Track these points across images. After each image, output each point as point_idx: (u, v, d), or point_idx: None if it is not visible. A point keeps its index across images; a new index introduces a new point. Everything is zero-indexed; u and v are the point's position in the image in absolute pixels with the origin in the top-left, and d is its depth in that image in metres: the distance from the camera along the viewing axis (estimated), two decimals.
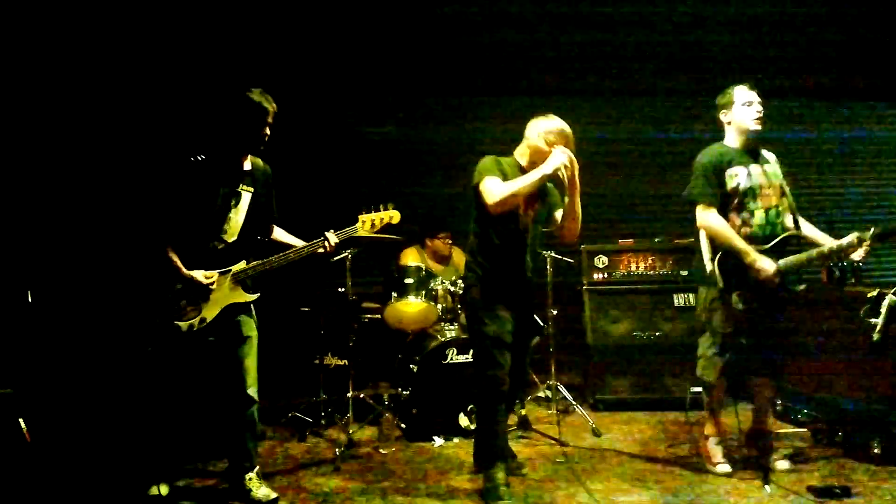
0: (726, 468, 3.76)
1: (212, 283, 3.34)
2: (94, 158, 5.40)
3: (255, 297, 3.51)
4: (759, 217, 3.66)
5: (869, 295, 3.43)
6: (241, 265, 3.45)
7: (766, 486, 3.49)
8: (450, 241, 5.54)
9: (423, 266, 4.93)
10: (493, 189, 3.36)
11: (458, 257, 5.61)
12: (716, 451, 3.84)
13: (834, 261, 3.49)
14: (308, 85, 6.35)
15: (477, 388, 3.63)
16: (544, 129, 3.51)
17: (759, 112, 3.70)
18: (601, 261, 5.36)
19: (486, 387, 3.49)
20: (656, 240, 5.45)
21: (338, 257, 4.69)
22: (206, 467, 4.00)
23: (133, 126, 5.53)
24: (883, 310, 3.40)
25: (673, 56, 6.60)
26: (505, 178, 3.44)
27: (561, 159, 3.27)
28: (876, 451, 3.83)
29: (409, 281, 4.77)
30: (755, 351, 3.63)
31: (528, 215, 3.56)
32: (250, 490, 3.45)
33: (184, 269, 3.31)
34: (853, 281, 4.76)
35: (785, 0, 6.26)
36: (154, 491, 3.51)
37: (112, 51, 5.46)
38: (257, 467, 3.57)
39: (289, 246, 3.58)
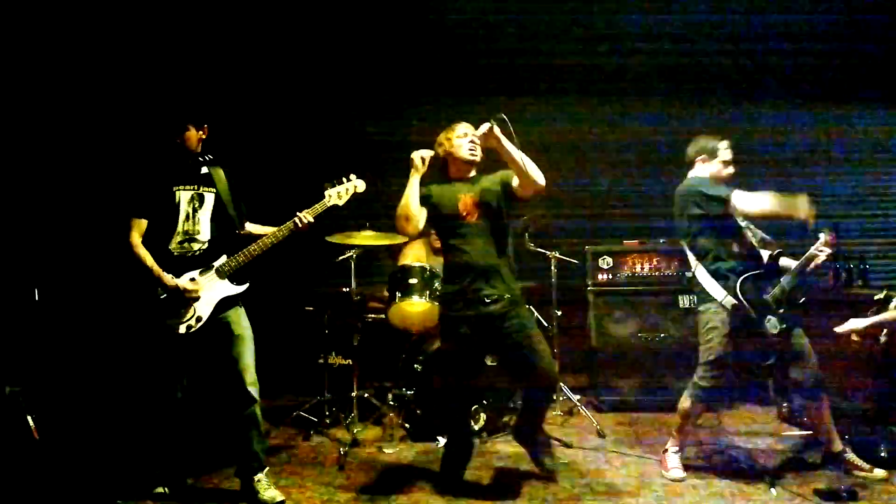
0: (679, 473, 3.75)
1: (196, 291, 3.40)
2: (88, 157, 5.40)
3: (243, 288, 3.54)
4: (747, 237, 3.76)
5: (876, 297, 3.42)
6: (223, 259, 3.50)
7: (773, 490, 3.48)
8: None
9: (427, 266, 4.92)
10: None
11: None
12: (672, 459, 3.83)
13: (806, 274, 3.63)
14: (304, 84, 6.39)
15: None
16: (441, 139, 3.66)
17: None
18: (606, 262, 5.35)
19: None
20: (661, 241, 5.43)
21: (342, 257, 4.70)
22: (215, 467, 3.99)
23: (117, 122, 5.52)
24: (889, 313, 3.40)
25: (676, 57, 6.57)
26: (437, 206, 3.56)
27: (414, 155, 3.46)
28: (883, 454, 3.81)
29: (413, 281, 4.76)
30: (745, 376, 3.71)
31: (473, 216, 3.51)
32: (258, 492, 3.45)
33: (166, 277, 3.38)
34: (860, 283, 4.77)
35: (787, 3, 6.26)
36: (160, 490, 3.52)
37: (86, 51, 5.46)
38: (266, 468, 3.57)
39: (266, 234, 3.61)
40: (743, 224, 3.78)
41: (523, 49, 6.32)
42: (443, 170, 3.67)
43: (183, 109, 3.56)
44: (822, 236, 3.58)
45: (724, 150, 3.84)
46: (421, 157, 3.45)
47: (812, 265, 3.60)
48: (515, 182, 3.47)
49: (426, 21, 6.23)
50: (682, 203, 3.79)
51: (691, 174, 3.88)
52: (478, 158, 3.56)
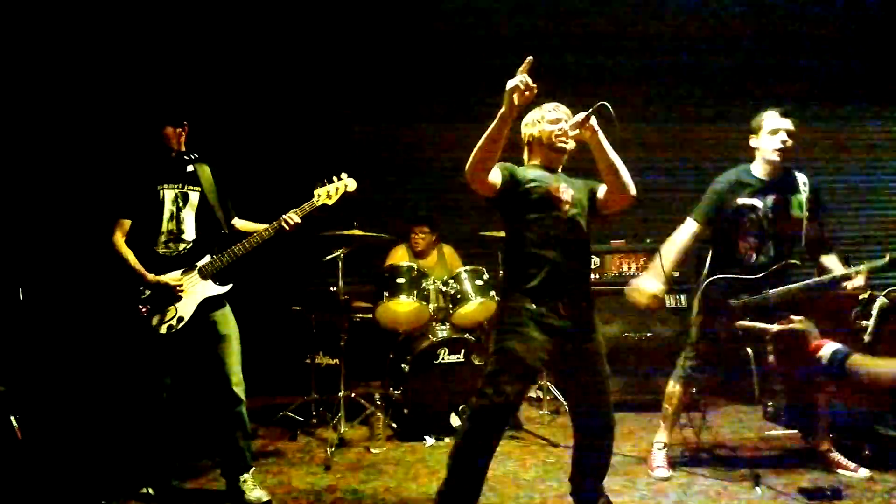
0: (664, 473, 3.77)
1: (179, 286, 3.38)
2: (72, 156, 5.36)
3: (226, 288, 3.52)
4: (769, 247, 3.66)
5: (860, 297, 3.44)
6: (207, 259, 3.49)
7: (757, 488, 3.50)
8: (431, 239, 5.57)
9: (414, 265, 4.92)
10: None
11: (451, 255, 5.62)
12: (658, 457, 3.85)
13: (833, 290, 3.52)
14: (296, 81, 6.35)
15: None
16: (531, 127, 3.08)
17: (784, 142, 3.57)
18: (593, 261, 5.36)
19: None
20: (648, 241, 5.45)
21: (330, 256, 4.68)
22: (200, 467, 3.97)
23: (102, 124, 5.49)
24: (874, 312, 3.41)
25: (667, 60, 6.59)
26: (528, 183, 2.91)
27: (513, 81, 2.55)
28: (866, 453, 3.85)
29: (400, 280, 4.76)
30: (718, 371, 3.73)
31: (564, 203, 2.91)
32: (244, 492, 3.44)
33: (149, 275, 3.36)
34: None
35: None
36: (144, 490, 3.50)
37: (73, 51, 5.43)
38: (252, 468, 3.56)
39: (253, 233, 3.58)
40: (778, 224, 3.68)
41: (516, 48, 6.29)
42: (524, 155, 3.16)
43: (158, 108, 3.52)
44: (860, 278, 3.46)
45: (771, 118, 3.62)
46: (521, 81, 2.52)
47: (838, 285, 3.52)
48: (602, 193, 2.99)
49: (417, 19, 6.21)
50: None
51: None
52: (568, 148, 3.00)
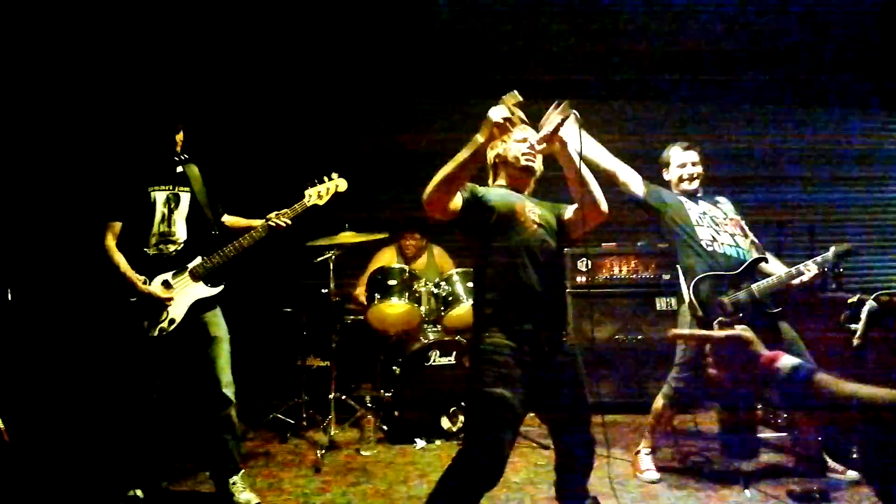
0: (654, 475, 3.79)
1: (169, 300, 3.37)
2: (62, 158, 5.33)
3: (218, 290, 3.51)
4: (724, 245, 3.73)
5: (849, 301, 3.46)
6: (197, 261, 3.47)
7: (746, 491, 3.52)
8: (422, 243, 5.58)
9: (406, 268, 4.92)
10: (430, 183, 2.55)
11: (441, 256, 5.62)
12: (646, 460, 3.88)
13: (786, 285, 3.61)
14: (287, 81, 6.33)
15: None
16: (498, 147, 2.87)
17: (692, 174, 3.87)
18: (584, 264, 5.37)
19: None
20: (639, 244, 5.46)
21: (321, 258, 4.67)
22: (190, 470, 3.96)
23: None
24: (863, 316, 3.43)
25: (661, 60, 6.60)
26: (493, 205, 2.71)
27: (496, 112, 2.41)
28: (854, 456, 3.86)
29: (392, 282, 4.76)
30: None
31: (530, 224, 2.74)
32: (233, 494, 3.43)
33: (140, 284, 3.34)
34: (833, 286, 4.81)
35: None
36: (133, 493, 3.48)
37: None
38: (242, 470, 3.55)
39: (247, 229, 3.56)
40: (724, 224, 3.80)
41: (513, 51, 6.32)
42: (490, 178, 2.99)
43: (166, 110, 3.51)
44: (821, 259, 3.59)
45: (676, 153, 3.93)
46: (504, 117, 2.40)
47: (796, 281, 3.58)
48: (570, 213, 2.84)
49: (414, 18, 6.18)
50: None
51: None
52: (537, 168, 2.87)
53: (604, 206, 2.72)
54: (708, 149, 4.23)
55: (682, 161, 3.89)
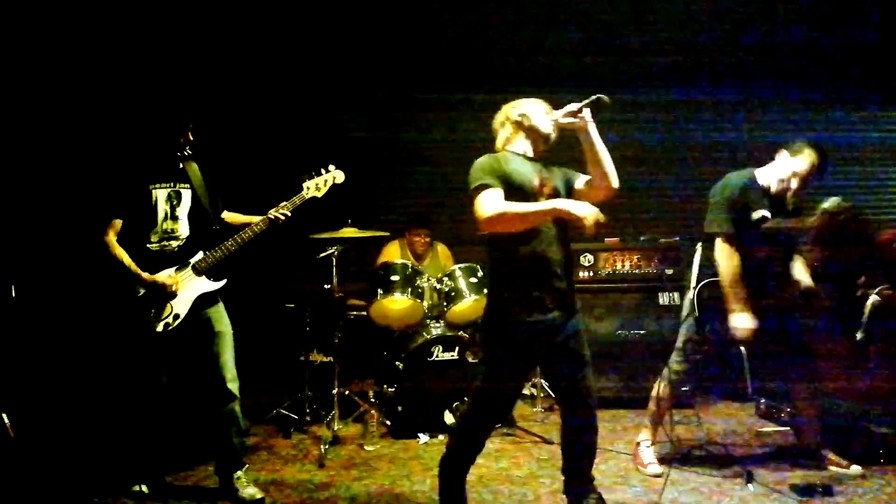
0: (656, 469, 3.78)
1: (173, 285, 3.37)
2: (64, 155, 5.34)
3: (221, 284, 3.52)
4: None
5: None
6: (199, 256, 3.48)
7: (749, 485, 3.52)
8: (427, 240, 5.58)
9: (409, 263, 4.92)
10: (488, 204, 2.73)
11: (444, 254, 5.62)
12: (647, 454, 3.87)
13: None
14: (284, 75, 6.33)
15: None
16: (522, 110, 3.03)
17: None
18: (587, 259, 5.37)
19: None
20: (642, 238, 5.46)
21: (324, 254, 4.68)
22: (194, 464, 3.96)
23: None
24: (866, 310, 3.43)
25: (660, 57, 6.59)
26: (512, 181, 2.83)
27: (591, 210, 2.67)
28: (859, 450, 3.86)
29: (395, 278, 4.76)
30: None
31: (546, 195, 2.89)
32: (237, 489, 3.44)
33: (144, 274, 3.33)
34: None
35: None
36: (137, 488, 3.50)
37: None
38: (246, 465, 3.56)
39: (246, 225, 3.57)
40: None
41: (502, 42, 6.28)
42: (500, 138, 3.11)
43: (186, 109, 3.49)
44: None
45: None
46: (595, 217, 2.65)
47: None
48: (581, 183, 3.01)
49: (417, 12, 6.18)
50: None
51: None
52: (553, 137, 3.02)
53: (615, 182, 2.92)
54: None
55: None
